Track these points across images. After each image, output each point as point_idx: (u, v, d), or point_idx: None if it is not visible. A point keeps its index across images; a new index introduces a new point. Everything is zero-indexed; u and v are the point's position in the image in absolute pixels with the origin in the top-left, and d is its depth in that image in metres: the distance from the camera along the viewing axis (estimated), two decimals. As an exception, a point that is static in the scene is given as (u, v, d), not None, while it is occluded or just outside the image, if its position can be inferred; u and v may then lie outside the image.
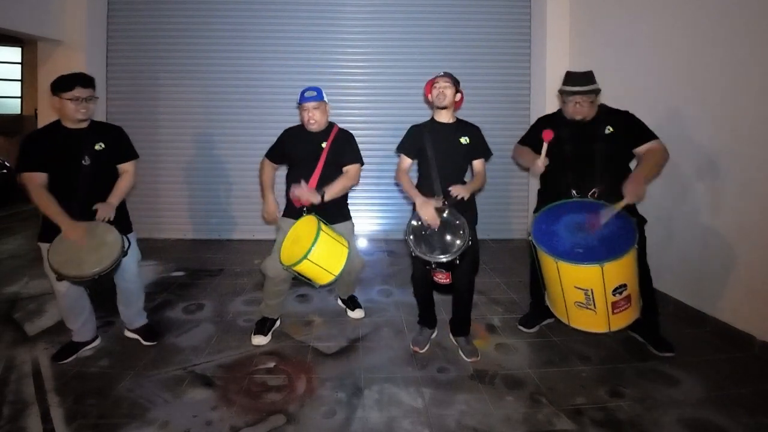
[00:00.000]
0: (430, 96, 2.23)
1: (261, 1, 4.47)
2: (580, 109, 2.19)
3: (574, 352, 2.33)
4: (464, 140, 2.20)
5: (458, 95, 2.21)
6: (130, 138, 2.34)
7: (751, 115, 2.35)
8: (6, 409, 1.84)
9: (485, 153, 2.28)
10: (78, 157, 2.09)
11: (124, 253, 2.06)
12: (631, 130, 2.19)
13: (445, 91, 2.16)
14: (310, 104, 2.39)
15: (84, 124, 2.15)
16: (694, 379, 2.07)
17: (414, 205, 2.27)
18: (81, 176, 2.09)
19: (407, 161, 2.30)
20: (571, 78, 2.23)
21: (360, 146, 3.98)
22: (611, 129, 2.19)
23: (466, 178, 2.29)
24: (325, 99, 2.44)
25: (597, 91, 2.19)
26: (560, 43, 4.19)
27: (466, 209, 2.15)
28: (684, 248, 2.73)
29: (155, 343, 2.37)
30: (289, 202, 2.44)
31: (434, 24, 4.51)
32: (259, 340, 2.43)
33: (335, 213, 2.41)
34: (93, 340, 2.33)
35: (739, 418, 1.80)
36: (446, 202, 2.10)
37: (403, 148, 2.30)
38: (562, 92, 2.25)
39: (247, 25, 4.47)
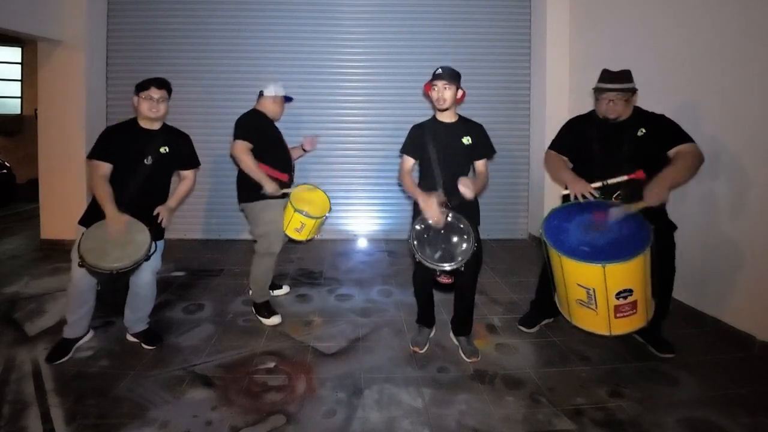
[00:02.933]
0: (430, 94, 2.19)
1: (261, 2, 4.47)
2: (613, 108, 2.13)
3: (574, 352, 2.33)
4: (466, 140, 2.17)
5: (459, 92, 2.15)
6: (194, 146, 2.51)
7: (753, 115, 2.35)
8: (6, 409, 1.84)
9: (488, 152, 2.24)
10: (141, 156, 2.23)
11: (147, 257, 2.10)
12: (665, 132, 2.10)
13: (444, 95, 2.11)
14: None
15: (156, 126, 2.31)
16: (694, 380, 2.07)
17: (415, 207, 2.28)
18: (140, 174, 2.21)
19: (410, 162, 2.27)
20: (606, 75, 2.16)
21: (360, 146, 4.04)
22: (644, 131, 2.12)
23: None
24: None
25: (633, 90, 2.13)
26: (560, 43, 4.19)
27: (469, 210, 2.14)
28: (684, 248, 2.72)
29: (156, 347, 2.35)
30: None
31: (434, 24, 4.51)
32: (277, 319, 2.65)
33: None
34: (83, 336, 2.32)
35: (739, 418, 1.80)
36: (449, 204, 2.09)
37: (406, 149, 2.27)
38: (596, 89, 2.19)
39: (247, 25, 4.47)
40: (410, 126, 2.33)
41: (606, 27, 3.65)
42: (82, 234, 2.06)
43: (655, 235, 1.87)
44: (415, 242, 2.00)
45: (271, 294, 2.99)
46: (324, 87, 4.50)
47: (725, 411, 1.84)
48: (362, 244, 4.50)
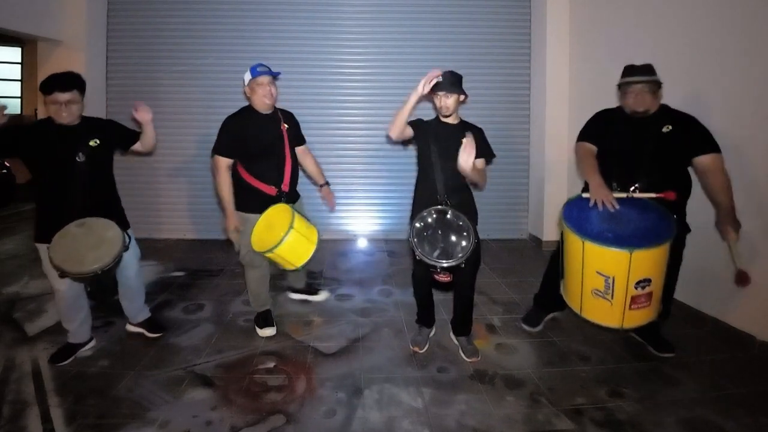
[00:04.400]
0: (432, 100, 2.20)
1: (261, 2, 4.46)
2: (641, 100, 2.10)
3: (574, 352, 2.33)
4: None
5: (462, 97, 2.18)
6: (123, 125, 2.33)
7: (752, 115, 2.35)
8: (6, 409, 1.84)
9: (486, 154, 2.25)
10: (72, 154, 2.08)
11: (125, 248, 2.08)
12: (694, 135, 2.06)
13: (447, 103, 2.13)
14: (266, 78, 2.26)
15: (76, 121, 2.13)
16: (694, 379, 2.07)
17: (413, 206, 2.28)
18: (77, 173, 2.08)
19: (409, 129, 2.22)
20: (630, 70, 2.16)
21: (360, 146, 3.88)
22: (670, 127, 2.09)
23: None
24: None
25: (658, 83, 2.12)
26: (560, 44, 4.19)
27: (466, 208, 2.15)
28: (684, 248, 2.73)
29: (160, 335, 2.39)
30: (253, 197, 2.33)
31: (434, 24, 4.51)
32: (268, 332, 2.49)
33: (295, 193, 2.53)
34: (89, 341, 2.33)
35: (739, 418, 1.80)
36: (448, 203, 2.10)
37: (413, 122, 2.23)
38: (621, 85, 2.17)
39: (247, 25, 4.47)
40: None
41: (606, 27, 3.64)
42: (48, 248, 1.96)
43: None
44: (415, 239, 2.02)
45: (309, 299, 2.93)
46: (324, 87, 4.49)
47: (725, 411, 1.84)
48: (362, 244, 4.50)
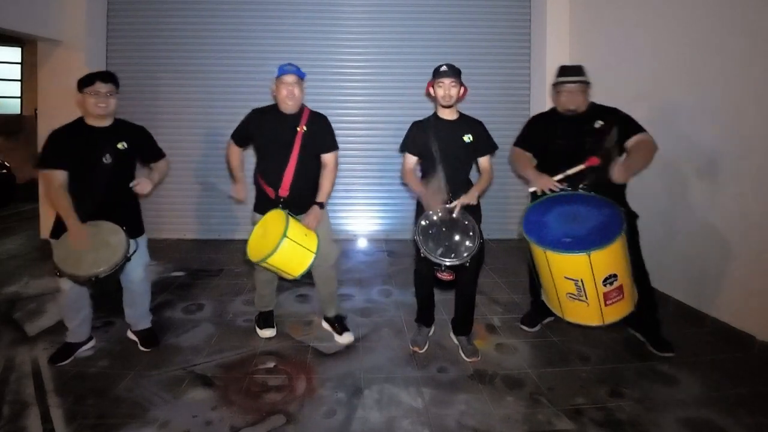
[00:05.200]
0: (432, 91, 2.19)
1: (261, 1, 4.47)
2: (572, 99, 2.23)
3: (574, 352, 2.33)
4: (467, 138, 2.19)
5: (462, 89, 2.18)
6: (153, 137, 2.36)
7: (751, 114, 2.35)
8: (6, 409, 1.84)
9: (490, 148, 2.26)
10: (99, 155, 2.09)
11: (128, 258, 2.03)
12: (620, 123, 2.21)
13: (451, 92, 2.13)
14: (290, 78, 2.22)
15: (107, 122, 2.16)
16: (694, 379, 2.07)
17: (418, 205, 2.28)
18: (101, 174, 2.09)
19: (412, 159, 2.28)
20: (563, 70, 2.30)
21: (360, 146, 3.76)
22: (601, 123, 2.23)
23: (472, 174, 2.28)
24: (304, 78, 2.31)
25: (587, 83, 2.25)
26: (560, 44, 4.19)
27: (471, 208, 2.15)
28: (684, 248, 2.74)
29: (150, 350, 2.33)
30: (260, 197, 2.33)
31: (434, 24, 4.51)
32: (268, 333, 2.48)
33: (306, 204, 2.28)
34: (88, 341, 2.32)
35: (739, 418, 1.80)
36: (452, 200, 2.10)
37: (407, 146, 2.28)
38: (555, 84, 2.30)
39: (247, 25, 4.47)
40: (410, 124, 2.32)
41: (606, 27, 3.65)
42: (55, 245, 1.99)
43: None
44: (420, 237, 2.02)
45: (333, 335, 2.53)
46: (324, 87, 4.50)
47: (725, 411, 1.84)
48: (362, 244, 4.50)
